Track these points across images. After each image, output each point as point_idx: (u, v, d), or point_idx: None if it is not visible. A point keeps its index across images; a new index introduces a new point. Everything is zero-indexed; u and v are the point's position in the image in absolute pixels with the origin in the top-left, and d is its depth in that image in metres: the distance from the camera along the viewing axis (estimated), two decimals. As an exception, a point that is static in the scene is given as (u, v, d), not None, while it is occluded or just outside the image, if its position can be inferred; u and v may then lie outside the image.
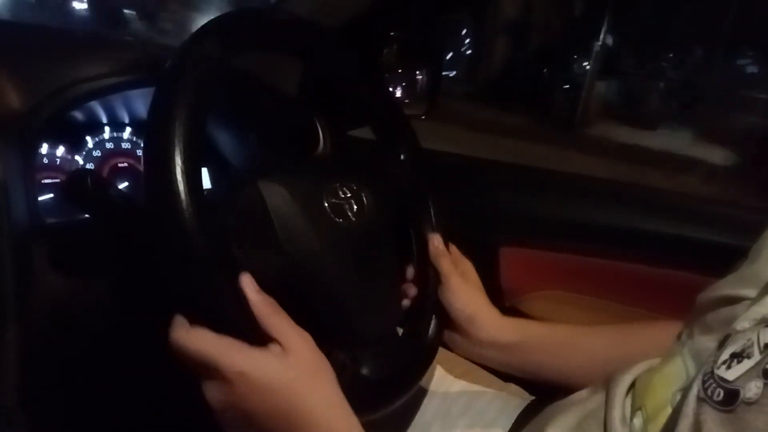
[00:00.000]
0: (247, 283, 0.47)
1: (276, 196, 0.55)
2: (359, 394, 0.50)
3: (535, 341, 0.69)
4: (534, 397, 0.74)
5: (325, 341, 0.50)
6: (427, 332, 0.67)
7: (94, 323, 0.64)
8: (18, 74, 0.61)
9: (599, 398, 0.55)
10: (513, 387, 0.77)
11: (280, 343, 0.47)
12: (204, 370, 0.46)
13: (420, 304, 0.69)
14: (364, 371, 0.57)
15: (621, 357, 0.59)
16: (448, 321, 0.69)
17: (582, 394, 0.59)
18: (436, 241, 0.71)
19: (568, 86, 7.61)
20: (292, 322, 0.48)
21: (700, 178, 5.83)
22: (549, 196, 1.03)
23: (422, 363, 0.66)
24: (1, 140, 0.53)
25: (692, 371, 0.46)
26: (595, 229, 0.97)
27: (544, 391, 0.69)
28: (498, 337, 0.69)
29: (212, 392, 0.46)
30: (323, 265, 0.56)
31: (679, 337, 0.53)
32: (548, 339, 0.70)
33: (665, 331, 0.58)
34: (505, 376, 0.76)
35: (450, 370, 0.77)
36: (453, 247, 0.74)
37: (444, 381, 0.76)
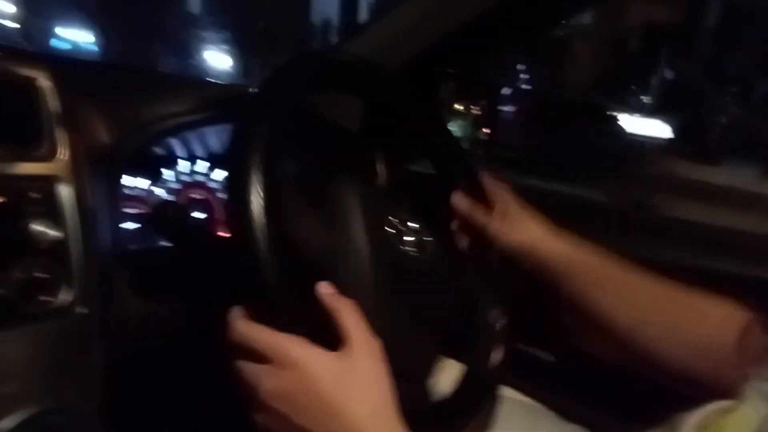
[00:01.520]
0: (324, 285, 0.49)
1: (353, 203, 0.59)
2: (416, 425, 0.51)
3: (589, 270, 0.67)
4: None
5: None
6: (488, 365, 0.67)
7: (168, 343, 0.68)
8: (107, 111, 0.66)
9: None
10: (574, 426, 0.75)
11: (347, 344, 0.47)
12: (262, 358, 0.46)
13: (482, 336, 0.69)
14: (422, 402, 0.58)
15: (667, 318, 0.59)
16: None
17: None
18: (457, 198, 0.70)
19: (627, 120, 7.46)
20: (364, 327, 0.48)
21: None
22: (607, 230, 1.01)
23: (482, 396, 0.66)
24: (91, 172, 0.57)
25: (764, 412, 0.45)
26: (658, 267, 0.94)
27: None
28: (551, 263, 0.68)
29: (265, 381, 0.45)
30: (380, 294, 0.58)
31: (747, 379, 0.52)
32: (602, 271, 0.67)
33: (731, 319, 0.57)
34: (567, 417, 0.75)
35: (510, 409, 0.76)
36: (484, 180, 0.73)
37: (501, 415, 0.76)
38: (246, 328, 0.47)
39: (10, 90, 0.51)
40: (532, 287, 0.71)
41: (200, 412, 0.79)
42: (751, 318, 0.58)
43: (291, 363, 0.45)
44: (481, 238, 0.71)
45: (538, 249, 0.69)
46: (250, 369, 0.47)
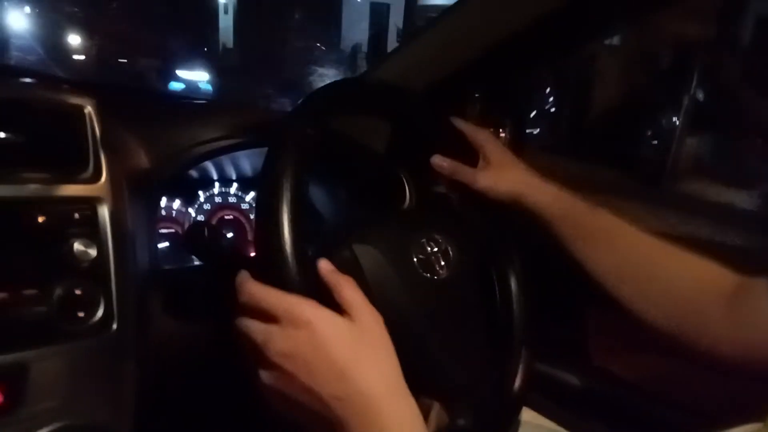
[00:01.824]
0: (324, 262, 0.50)
1: (369, 258, 0.59)
2: None
3: (576, 218, 0.66)
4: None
5: (417, 392, 0.50)
6: (513, 387, 0.67)
7: (201, 363, 0.69)
8: (145, 137, 0.68)
9: None
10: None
11: (352, 315, 0.47)
12: (272, 318, 0.46)
13: (507, 358, 0.69)
14: (459, 422, 0.58)
15: (649, 271, 0.59)
16: None
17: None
18: (436, 159, 0.70)
19: (656, 141, 7.34)
20: (365, 300, 0.49)
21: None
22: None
23: (506, 418, 0.66)
24: (130, 195, 0.60)
25: None
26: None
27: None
28: (538, 209, 0.67)
29: (276, 340, 0.45)
30: (414, 319, 0.59)
31: None
32: (590, 219, 0.66)
33: (721, 278, 0.56)
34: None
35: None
36: (464, 128, 0.72)
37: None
38: (256, 288, 0.48)
39: (58, 117, 0.54)
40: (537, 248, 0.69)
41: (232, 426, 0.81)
42: (744, 282, 0.56)
43: (303, 322, 0.45)
44: (470, 194, 0.70)
45: (526, 196, 0.67)
46: (259, 328, 0.47)
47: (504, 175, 0.69)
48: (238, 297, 0.49)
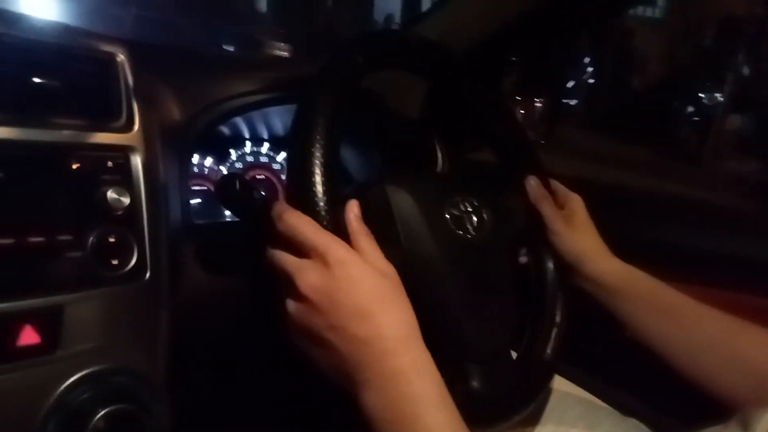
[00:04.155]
0: (351, 204, 0.51)
1: (401, 199, 0.58)
2: (467, 408, 0.49)
3: (642, 292, 0.66)
4: (655, 433, 0.70)
5: (434, 350, 0.50)
6: (544, 354, 0.66)
7: (231, 314, 0.70)
8: (177, 90, 0.68)
9: None
10: (632, 421, 0.73)
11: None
12: (308, 253, 0.47)
13: (538, 325, 0.68)
14: (474, 385, 0.57)
15: (727, 350, 0.58)
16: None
17: (715, 429, 0.55)
18: (533, 182, 0.70)
19: (697, 119, 7.10)
20: (380, 253, 0.50)
21: None
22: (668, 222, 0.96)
23: (536, 385, 0.65)
24: (163, 146, 0.60)
25: None
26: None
27: (666, 428, 0.65)
28: (605, 279, 0.67)
29: (308, 273, 0.47)
30: (439, 272, 0.57)
31: None
32: (655, 294, 0.66)
33: None
34: (625, 412, 0.73)
35: (567, 403, 0.75)
36: (556, 184, 0.73)
37: (558, 408, 0.74)
38: (296, 219, 0.48)
39: (91, 64, 0.54)
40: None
41: (262, 386, 0.82)
42: None
43: (337, 261, 0.46)
44: (540, 230, 0.70)
45: (592, 261, 0.69)
46: (291, 259, 0.48)
47: (580, 234, 0.70)
48: (274, 226, 0.49)
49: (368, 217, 0.53)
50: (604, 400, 0.76)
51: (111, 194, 0.50)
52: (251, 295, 0.69)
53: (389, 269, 0.50)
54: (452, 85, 0.70)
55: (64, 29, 0.57)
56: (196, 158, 0.75)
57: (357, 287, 0.46)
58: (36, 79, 0.49)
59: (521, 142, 0.74)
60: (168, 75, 0.68)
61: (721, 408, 0.56)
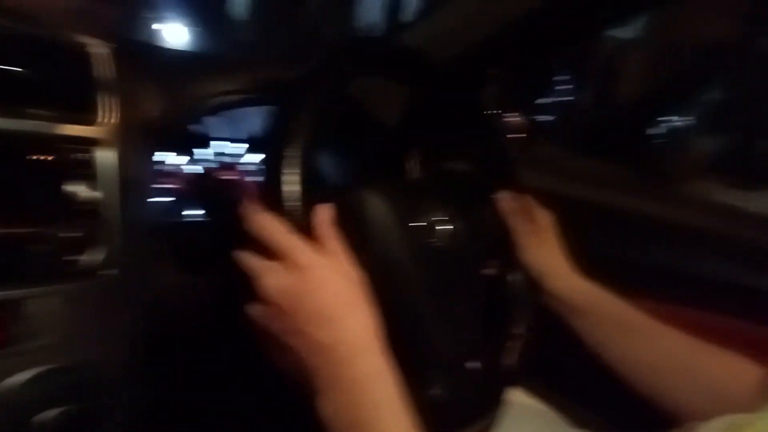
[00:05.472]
0: (323, 208, 0.50)
1: (375, 205, 0.58)
2: (427, 415, 0.49)
3: (602, 311, 0.68)
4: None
5: (398, 356, 0.50)
6: (506, 365, 0.67)
7: (202, 313, 0.69)
8: (157, 86, 0.67)
9: None
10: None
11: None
12: (276, 255, 0.47)
13: (502, 336, 0.69)
14: (436, 392, 0.57)
15: (689, 370, 0.59)
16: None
17: None
18: (506, 195, 0.71)
19: (669, 140, 7.21)
20: (349, 256, 0.50)
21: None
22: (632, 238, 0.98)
23: (496, 395, 0.65)
24: (138, 142, 0.59)
25: None
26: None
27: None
28: (567, 296, 0.69)
29: (275, 276, 0.47)
30: (408, 279, 0.58)
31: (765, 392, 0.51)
32: (615, 313, 0.67)
33: (746, 373, 0.57)
34: (578, 423, 0.74)
35: (524, 416, 0.76)
36: (528, 199, 0.74)
37: (517, 421, 0.75)
38: (265, 221, 0.48)
39: (73, 57, 0.53)
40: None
41: (231, 382, 0.81)
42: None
43: (304, 265, 0.47)
44: (508, 244, 0.71)
45: (554, 278, 0.70)
46: (259, 262, 0.48)
47: (547, 249, 0.71)
48: (243, 226, 0.49)
49: (341, 222, 0.53)
50: (560, 413, 0.77)
51: (81, 188, 0.50)
52: (222, 294, 0.68)
53: (356, 274, 0.50)
54: (432, 95, 0.71)
55: (47, 21, 0.56)
56: (170, 156, 0.74)
57: (321, 291, 0.46)
58: (6, 68, 0.49)
59: (497, 155, 0.75)
60: (149, 71, 0.67)
61: (675, 424, 0.58)
